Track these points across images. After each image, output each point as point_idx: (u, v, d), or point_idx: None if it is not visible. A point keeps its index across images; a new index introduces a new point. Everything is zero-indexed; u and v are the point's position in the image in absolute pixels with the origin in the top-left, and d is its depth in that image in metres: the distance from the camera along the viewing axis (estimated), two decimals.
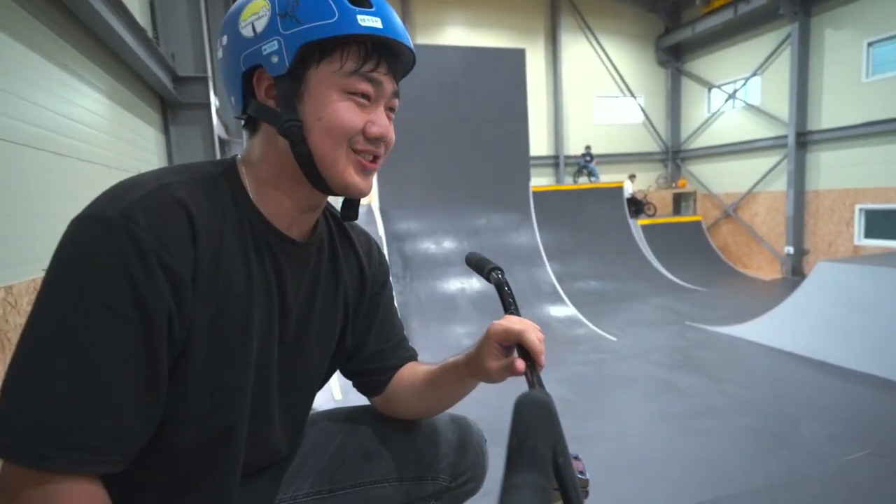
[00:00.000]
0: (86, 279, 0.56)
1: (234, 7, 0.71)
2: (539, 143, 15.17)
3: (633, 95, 16.26)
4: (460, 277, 9.43)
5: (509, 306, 0.83)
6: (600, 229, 11.75)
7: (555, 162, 15.82)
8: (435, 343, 7.09)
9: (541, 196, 11.22)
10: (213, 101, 4.65)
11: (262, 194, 0.73)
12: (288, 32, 0.65)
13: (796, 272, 12.58)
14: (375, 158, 0.74)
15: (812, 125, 12.29)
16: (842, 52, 11.56)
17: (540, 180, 15.15)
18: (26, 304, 1.76)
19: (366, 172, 0.74)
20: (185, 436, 0.68)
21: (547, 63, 15.46)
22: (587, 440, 4.66)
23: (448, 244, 9.77)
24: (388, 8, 0.71)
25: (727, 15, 13.51)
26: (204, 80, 4.37)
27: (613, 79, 16.07)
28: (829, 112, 11.92)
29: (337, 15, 0.65)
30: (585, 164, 14.74)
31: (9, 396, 0.55)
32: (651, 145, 16.75)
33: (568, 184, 14.93)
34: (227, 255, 0.67)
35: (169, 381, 0.64)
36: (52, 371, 0.54)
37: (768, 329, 7.21)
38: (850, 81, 11.45)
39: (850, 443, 4.34)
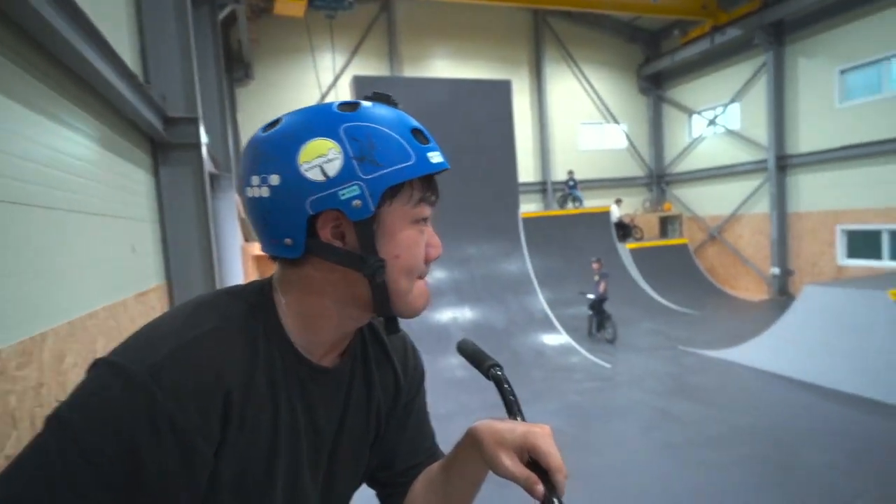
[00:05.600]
0: (85, 429, 0.56)
1: (275, 141, 0.68)
2: (526, 170, 15.38)
3: (616, 122, 16.63)
4: (452, 307, 9.38)
5: (513, 408, 0.74)
6: (590, 254, 11.81)
7: (542, 188, 16.01)
8: (429, 375, 7.01)
9: (530, 222, 11.30)
10: (204, 139, 4.65)
11: (301, 327, 0.72)
12: (370, 177, 0.65)
13: (783, 292, 12.74)
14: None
15: (790, 149, 12.64)
16: (815, 79, 11.98)
17: (528, 206, 15.29)
18: (13, 369, 1.69)
19: (426, 288, 0.76)
20: None
21: (532, 92, 15.80)
22: (585, 475, 4.57)
23: (439, 274, 9.74)
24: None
25: (704, 45, 13.99)
26: (194, 120, 4.37)
27: (597, 106, 16.44)
28: (807, 137, 12.28)
29: (413, 157, 0.67)
30: (570, 189, 14.95)
31: None
32: (636, 170, 17.06)
33: (555, 209, 15.10)
34: (254, 404, 0.66)
35: None
36: None
37: (761, 352, 7.24)
38: (824, 107, 11.84)
39: (852, 471, 4.32)
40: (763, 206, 13.40)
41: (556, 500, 0.64)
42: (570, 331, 9.33)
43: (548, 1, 12.25)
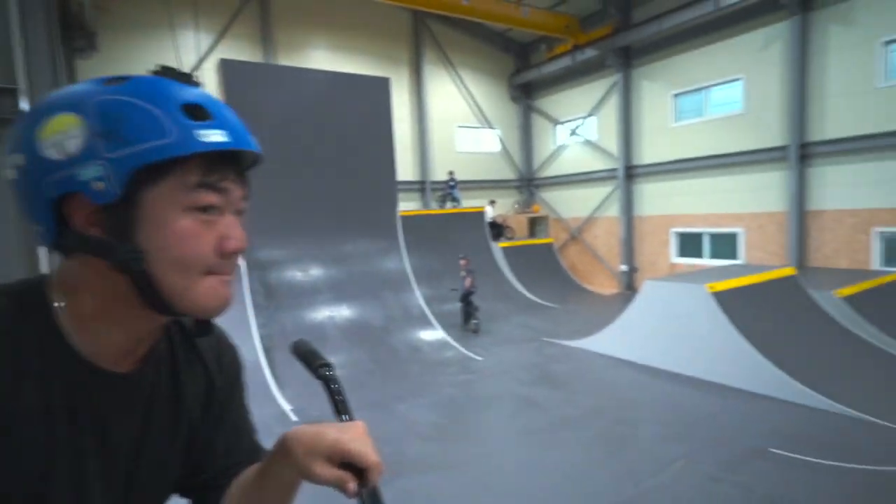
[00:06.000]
0: None
1: (25, 117, 0.61)
2: (405, 169, 15.54)
3: (491, 127, 17.50)
4: (329, 305, 9.16)
5: (340, 408, 0.73)
6: (465, 252, 12.32)
7: (421, 187, 16.30)
8: (301, 376, 6.77)
9: (408, 220, 11.44)
10: None
11: (83, 328, 0.64)
12: (114, 155, 0.58)
13: (629, 287, 14.44)
14: (232, 269, 0.69)
15: (636, 160, 14.38)
16: (655, 100, 13.77)
17: (407, 205, 15.45)
18: None
19: (224, 286, 0.67)
20: None
21: (412, 92, 15.98)
22: (455, 464, 4.77)
23: (315, 271, 9.44)
24: (229, 115, 0.65)
25: (567, 61, 15.31)
26: (13, 91, 3.72)
27: (473, 111, 17.15)
28: (649, 150, 14.06)
29: (173, 133, 0.59)
30: (450, 189, 15.44)
31: None
32: (508, 173, 18.11)
33: (434, 208, 15.47)
34: (19, 419, 0.58)
35: None
36: None
37: (609, 341, 8.14)
38: (661, 125, 13.66)
39: (677, 441, 5.05)
40: (614, 210, 15.05)
41: (363, 493, 0.65)
42: (446, 326, 9.64)
43: (425, 3, 12.46)
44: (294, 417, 5.94)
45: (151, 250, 0.61)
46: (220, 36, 12.61)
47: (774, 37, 10.95)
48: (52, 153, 0.58)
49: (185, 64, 11.59)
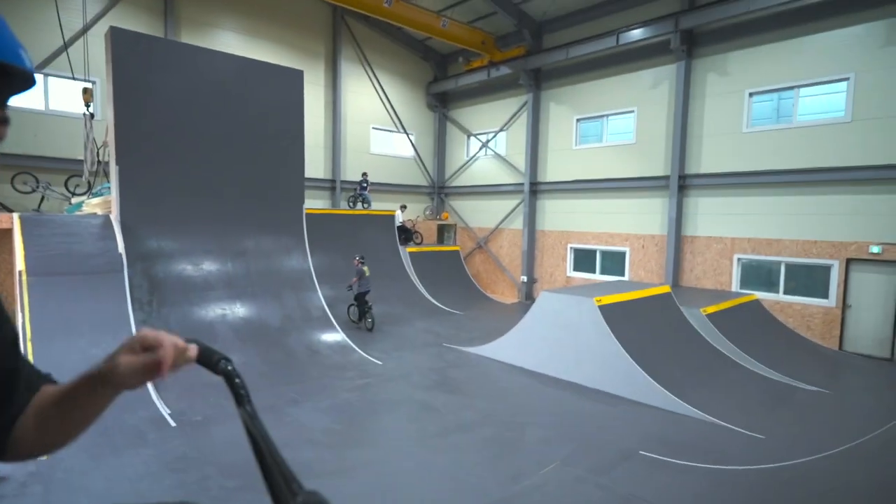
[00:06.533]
0: None
1: None
2: (316, 166, 15.12)
3: (405, 132, 17.56)
4: (221, 302, 8.60)
5: (242, 400, 0.76)
6: (372, 254, 12.19)
7: (332, 186, 15.91)
8: (184, 379, 6.28)
9: (315, 218, 11.11)
10: None
11: None
12: None
13: (529, 297, 15.16)
14: None
15: (541, 177, 15.19)
16: (560, 122, 14.68)
17: (316, 202, 15.04)
18: None
19: None
20: None
21: (327, 88, 15.58)
22: (348, 471, 4.69)
23: (209, 266, 8.83)
24: None
25: (482, 76, 15.84)
26: None
27: (389, 113, 17.11)
28: (552, 168, 14.93)
29: None
30: (361, 190, 15.22)
31: None
32: (420, 179, 18.27)
33: (344, 208, 15.16)
34: None
35: None
36: None
37: (506, 348, 8.48)
38: (565, 146, 14.59)
39: (559, 444, 5.37)
40: (519, 222, 15.75)
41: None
42: (348, 328, 9.46)
43: (347, 0, 12.24)
44: (173, 423, 5.49)
45: None
46: (114, 1, 11.44)
47: (663, 77, 12.16)
48: None
49: (69, 27, 10.35)
